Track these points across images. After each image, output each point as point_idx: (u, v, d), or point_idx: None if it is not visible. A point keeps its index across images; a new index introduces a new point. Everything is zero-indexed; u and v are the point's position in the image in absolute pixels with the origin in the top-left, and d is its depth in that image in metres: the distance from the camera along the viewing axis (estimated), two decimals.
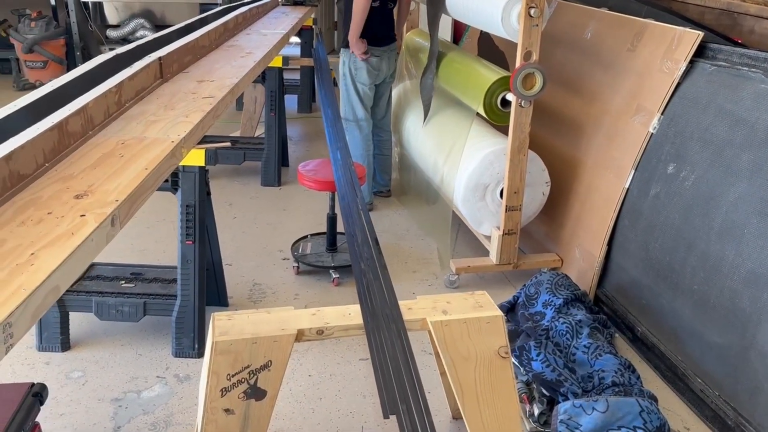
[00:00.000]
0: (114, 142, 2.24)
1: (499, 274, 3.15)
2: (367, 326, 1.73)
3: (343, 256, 3.20)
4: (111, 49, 6.78)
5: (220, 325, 1.73)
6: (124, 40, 6.64)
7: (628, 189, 2.71)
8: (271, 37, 4.16)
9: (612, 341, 2.50)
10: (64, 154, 2.07)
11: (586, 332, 2.34)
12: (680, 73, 2.57)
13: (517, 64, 2.71)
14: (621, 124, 2.82)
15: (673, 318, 2.42)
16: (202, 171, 2.57)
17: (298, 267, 3.14)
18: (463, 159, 3.00)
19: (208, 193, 2.67)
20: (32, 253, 1.53)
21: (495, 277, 3.15)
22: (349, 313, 1.81)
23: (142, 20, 6.56)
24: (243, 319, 1.77)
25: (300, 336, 1.73)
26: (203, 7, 6.64)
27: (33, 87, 6.16)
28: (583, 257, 2.93)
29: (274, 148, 4.16)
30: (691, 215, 2.37)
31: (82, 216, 1.76)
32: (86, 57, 6.52)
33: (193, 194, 2.55)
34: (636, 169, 2.69)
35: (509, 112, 2.93)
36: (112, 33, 6.56)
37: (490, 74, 2.98)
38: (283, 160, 4.46)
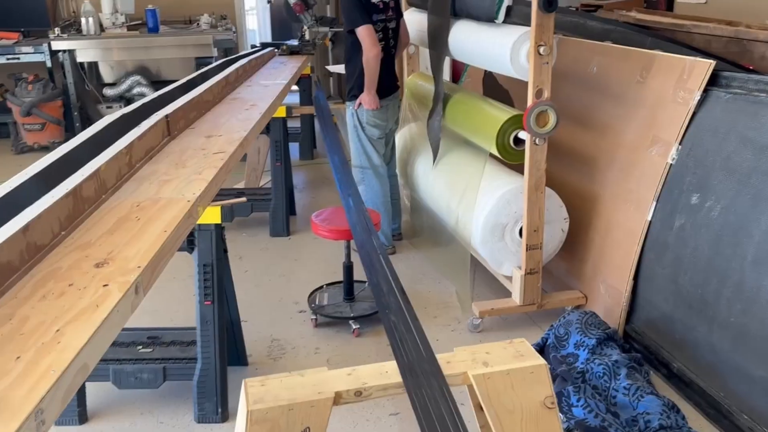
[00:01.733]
0: (129, 205, 2.19)
1: (523, 315, 3.08)
2: (407, 384, 1.65)
3: (362, 305, 3.13)
4: (108, 108, 6.78)
5: (254, 392, 1.65)
6: (121, 98, 6.66)
7: (650, 222, 2.67)
8: (273, 87, 4.15)
9: (650, 380, 2.42)
10: (80, 221, 2.01)
11: (624, 373, 2.26)
12: (695, 102, 2.55)
13: (529, 102, 2.68)
14: (637, 156, 2.79)
15: (711, 352, 2.35)
16: (219, 228, 2.51)
17: (316, 319, 3.06)
18: (479, 199, 2.95)
19: (225, 251, 2.61)
20: (57, 330, 1.46)
21: (519, 319, 3.07)
22: (385, 371, 1.73)
23: (138, 77, 6.58)
24: (276, 384, 1.69)
25: (338, 399, 1.65)
26: (199, 61, 6.68)
27: (31, 149, 6.14)
28: (608, 293, 2.87)
29: (282, 197, 4.12)
30: (721, 246, 2.32)
31: (105, 286, 1.70)
32: (84, 117, 6.53)
33: (211, 253, 2.49)
34: (657, 201, 2.64)
35: (522, 151, 2.90)
36: (108, 91, 6.57)
37: (501, 113, 2.96)
38: (291, 209, 4.42)
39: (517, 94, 3.63)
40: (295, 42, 5.83)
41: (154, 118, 2.84)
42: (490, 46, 2.85)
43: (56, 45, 6.15)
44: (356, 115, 3.59)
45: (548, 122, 2.70)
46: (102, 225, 1.94)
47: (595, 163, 3.04)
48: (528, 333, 2.97)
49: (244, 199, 2.74)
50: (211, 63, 6.65)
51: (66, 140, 6.78)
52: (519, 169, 3.10)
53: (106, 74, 6.81)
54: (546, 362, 1.77)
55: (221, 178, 2.54)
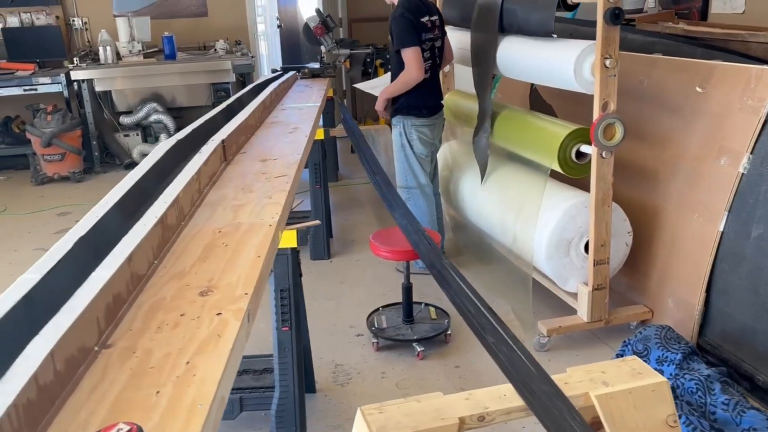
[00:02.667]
0: (210, 231, 2.15)
1: (587, 333, 3.03)
2: (534, 408, 1.59)
3: (423, 326, 3.07)
4: (126, 136, 6.73)
5: (373, 419, 1.59)
6: (138, 126, 6.61)
7: (723, 232, 2.63)
8: (308, 110, 4.13)
9: (743, 394, 2.36)
10: (167, 249, 1.97)
11: (719, 388, 2.20)
12: (766, 110, 2.53)
13: (595, 115, 2.66)
14: (703, 167, 2.76)
15: None
16: (295, 252, 2.46)
17: (377, 343, 2.99)
18: (541, 215, 2.91)
19: (300, 275, 2.56)
20: (188, 362, 1.40)
21: (583, 336, 3.02)
22: (503, 394, 1.67)
23: (154, 104, 6.53)
24: (394, 410, 1.63)
25: (462, 425, 1.59)
26: (215, 87, 6.66)
27: (51, 180, 6.07)
28: (678, 307, 2.82)
29: (322, 220, 4.07)
30: None
31: (218, 315, 1.65)
32: (102, 146, 6.47)
33: (287, 278, 2.43)
34: (729, 212, 2.61)
35: (584, 165, 2.87)
36: (125, 119, 6.52)
37: (560, 128, 2.93)
38: (329, 231, 4.37)
39: (562, 109, 3.61)
40: (316, 65, 5.82)
41: (211, 143, 2.81)
42: (549, 60, 2.83)
43: (75, 75, 6.11)
44: (404, 134, 3.56)
45: (615, 135, 2.68)
46: (190, 252, 1.89)
47: (654, 175, 3.01)
48: (596, 350, 2.92)
49: (317, 221, 2.69)
50: (228, 88, 6.65)
51: (85, 170, 6.76)
52: (577, 183, 3.07)
53: (120, 102, 6.77)
54: (667, 380, 1.72)
55: (290, 201, 2.50)
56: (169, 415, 1.21)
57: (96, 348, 1.44)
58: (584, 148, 2.81)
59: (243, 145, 3.19)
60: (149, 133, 6.64)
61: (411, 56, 3.40)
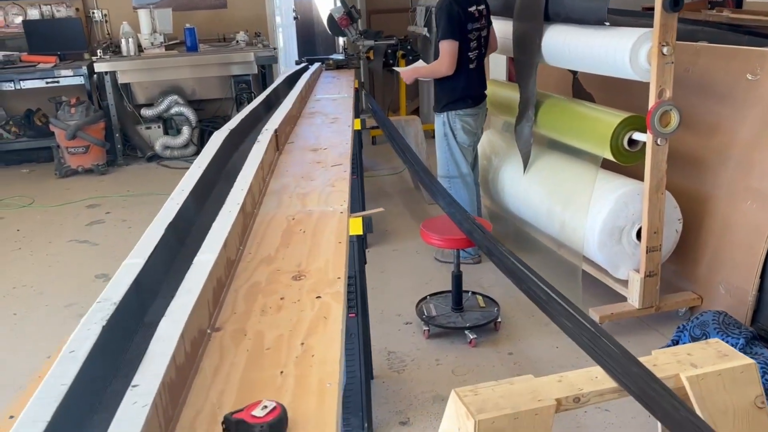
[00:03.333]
0: (284, 218, 2.17)
1: (637, 320, 3.04)
2: (629, 389, 1.61)
3: (473, 314, 3.09)
4: (147, 128, 6.73)
5: (470, 401, 1.61)
6: (159, 118, 6.61)
7: None
8: (342, 101, 4.15)
9: None
10: (247, 236, 2.00)
11: None
12: None
13: (651, 102, 2.67)
14: (756, 154, 2.78)
15: None
16: (360, 240, 2.48)
17: (428, 330, 3.01)
18: (593, 203, 2.93)
19: (365, 262, 2.57)
20: (302, 343, 1.43)
21: (633, 323, 3.03)
22: (595, 376, 1.69)
23: (175, 97, 6.53)
24: (489, 392, 1.64)
25: (558, 406, 1.61)
26: (236, 80, 6.65)
27: (75, 173, 6.07)
28: (730, 293, 2.84)
29: (360, 210, 4.07)
30: None
31: (318, 298, 1.67)
32: (125, 138, 6.47)
33: (354, 264, 2.44)
34: None
35: (635, 152, 2.88)
36: (146, 112, 6.52)
37: (611, 116, 2.94)
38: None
39: (602, 98, 3.62)
40: (339, 56, 5.82)
41: (266, 133, 2.83)
42: (602, 48, 2.83)
43: (99, 67, 6.11)
44: (448, 123, 3.57)
45: (671, 122, 2.69)
46: (271, 238, 1.91)
47: (703, 163, 3.02)
48: (647, 337, 2.93)
49: (381, 209, 2.70)
50: (249, 81, 6.64)
51: (108, 163, 6.76)
52: (622, 171, 3.08)
53: (140, 95, 6.76)
54: (755, 362, 1.74)
55: (350, 189, 2.52)
56: (301, 394, 1.24)
57: (208, 330, 1.46)
58: (637, 136, 2.82)
59: (290, 134, 3.21)
60: (170, 126, 6.63)
61: (447, 49, 3.41)
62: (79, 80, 6.18)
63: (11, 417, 1.21)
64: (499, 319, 3.05)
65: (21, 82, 6.09)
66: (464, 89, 3.49)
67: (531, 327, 3.07)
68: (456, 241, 2.88)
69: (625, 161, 2.92)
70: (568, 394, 1.63)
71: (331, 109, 3.90)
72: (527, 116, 3.43)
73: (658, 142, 2.71)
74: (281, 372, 1.37)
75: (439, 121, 3.63)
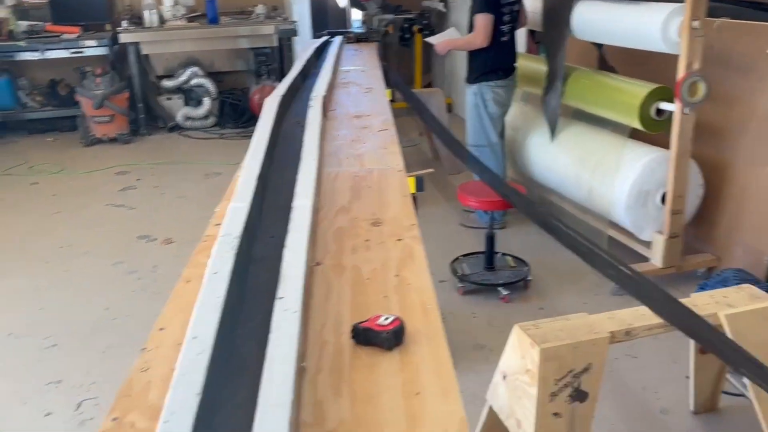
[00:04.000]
0: (348, 176, 2.35)
1: (658, 279, 3.24)
2: (676, 324, 1.81)
3: (504, 273, 3.29)
4: (168, 99, 6.84)
5: (533, 333, 1.80)
6: (179, 90, 6.73)
7: None
8: (371, 72, 4.30)
9: None
10: (317, 189, 2.17)
11: None
12: None
13: (680, 74, 2.85)
14: None
15: None
16: (413, 198, 2.66)
17: (463, 287, 3.21)
18: (621, 169, 3.12)
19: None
20: (396, 275, 1.62)
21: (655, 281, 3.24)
22: (642, 314, 1.89)
23: (196, 68, 6.65)
24: (548, 326, 1.84)
25: (612, 338, 1.81)
26: (255, 52, 6.77)
27: (100, 141, 6.21)
28: (747, 254, 3.05)
29: None
30: None
31: (399, 240, 1.86)
32: (148, 108, 6.60)
33: None
34: None
35: (662, 121, 3.07)
36: (167, 83, 6.64)
37: (639, 87, 3.12)
38: None
39: (624, 71, 3.79)
40: (359, 29, 5.96)
41: (317, 100, 3.00)
42: (634, 22, 3.00)
43: (124, 38, 6.22)
44: (480, 94, 3.74)
45: (698, 92, 2.87)
46: (341, 192, 2.10)
47: (723, 133, 3.21)
48: None
49: (432, 169, 2.88)
50: (268, 53, 6.77)
51: (131, 132, 6.90)
52: (647, 141, 3.26)
53: (159, 66, 6.87)
54: None
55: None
56: (407, 312, 1.44)
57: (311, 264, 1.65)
58: (664, 106, 3.00)
59: (330, 102, 3.37)
60: (191, 97, 6.76)
61: (482, 22, 3.57)
62: (103, 51, 6.30)
63: (161, 329, 1.41)
64: (529, 278, 3.26)
65: (46, 52, 6.21)
66: (496, 62, 3.66)
67: (559, 286, 3.28)
68: (493, 203, 3.07)
69: (652, 130, 3.10)
70: (620, 327, 1.83)
71: (363, 80, 4.05)
72: (555, 87, 3.61)
73: (686, 111, 2.89)
74: (384, 296, 1.57)
75: (471, 92, 3.80)
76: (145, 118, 6.56)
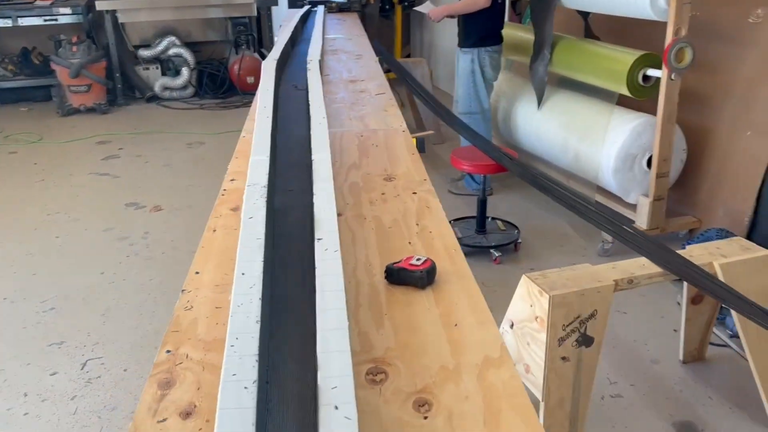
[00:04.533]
0: (353, 135, 2.40)
1: None
2: (675, 272, 1.91)
3: (495, 236, 3.37)
4: (146, 69, 6.73)
5: (541, 282, 1.88)
6: (157, 59, 6.64)
7: None
8: (358, 40, 4.32)
9: None
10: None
11: None
12: None
13: (668, 40, 2.93)
14: (757, 89, 3.08)
15: None
16: None
17: None
18: (609, 134, 3.21)
19: None
20: (417, 224, 1.68)
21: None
22: (642, 264, 1.98)
23: (173, 38, 6.56)
24: (555, 276, 1.92)
25: (616, 286, 1.90)
26: (234, 22, 6.71)
27: (77, 111, 6.11)
28: (727, 215, 3.18)
29: None
30: None
31: (414, 193, 1.92)
32: (125, 77, 6.50)
33: None
34: None
35: (648, 88, 3.16)
36: (143, 53, 6.54)
37: (625, 55, 3.20)
38: None
39: (608, 40, 3.87)
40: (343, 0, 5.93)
41: (313, 63, 3.02)
42: None
43: (99, 5, 6.10)
44: (477, 60, 3.77)
45: (685, 58, 2.96)
46: (349, 151, 2.14)
47: (706, 99, 3.32)
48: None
49: (432, 131, 2.93)
50: (247, 23, 6.71)
51: (109, 102, 6.80)
52: (632, 107, 3.36)
53: (133, 36, 6.76)
54: None
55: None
56: (433, 256, 1.50)
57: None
58: (651, 72, 3.09)
59: (323, 68, 3.39)
60: (168, 67, 6.68)
61: None
62: (78, 18, 6.17)
63: (197, 273, 1.45)
64: (519, 240, 3.35)
65: (18, 19, 6.06)
66: (494, 26, 3.71)
67: (548, 249, 3.38)
68: (487, 166, 3.14)
69: (638, 96, 3.19)
70: (623, 276, 1.92)
71: (351, 48, 4.07)
72: (542, 56, 3.67)
73: (673, 77, 2.98)
74: (409, 242, 1.63)
75: (467, 57, 3.83)
76: (123, 88, 6.46)
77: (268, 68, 3.02)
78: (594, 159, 3.30)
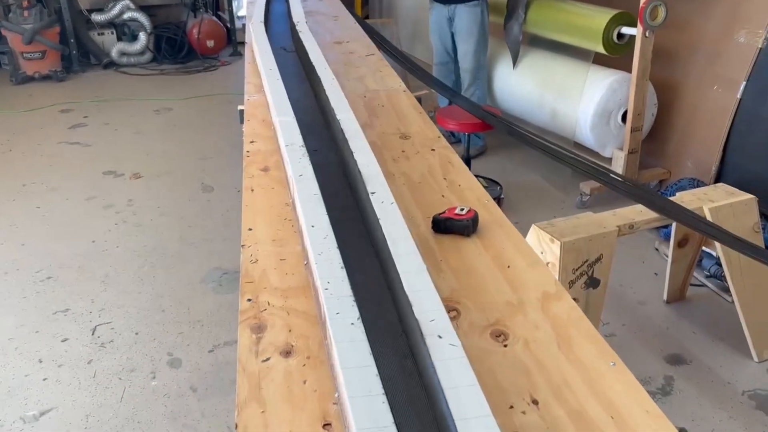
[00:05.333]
0: (358, 97, 2.47)
1: (615, 194, 3.54)
2: (671, 216, 2.06)
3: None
4: (101, 34, 6.55)
5: (550, 230, 2.00)
6: (111, 24, 6.45)
7: (740, 99, 3.16)
8: (328, 1, 4.32)
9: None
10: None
11: None
12: None
13: None
14: (722, 45, 3.25)
15: None
16: None
17: None
18: (586, 90, 3.34)
19: None
20: (444, 178, 1.78)
21: (613, 196, 3.50)
22: (640, 210, 2.13)
23: (127, 2, 6.36)
24: (562, 224, 2.05)
25: (619, 231, 2.04)
26: None
27: (32, 80, 5.91)
28: (696, 166, 3.38)
29: None
30: None
31: (432, 150, 2.01)
32: (80, 43, 6.30)
33: None
34: (748, 81, 3.13)
35: (623, 45, 3.30)
36: (97, 17, 6.33)
37: (600, 13, 3.32)
38: None
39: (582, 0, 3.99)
40: None
41: (301, 24, 3.05)
42: None
43: None
44: (486, 11, 3.79)
45: (659, 16, 3.10)
46: (358, 112, 2.20)
47: (674, 55, 3.48)
48: (628, 205, 3.44)
49: (427, 91, 2.99)
50: None
51: (64, 69, 6.65)
52: (606, 63, 3.50)
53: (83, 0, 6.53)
54: (755, 196, 2.23)
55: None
56: (466, 202, 1.59)
57: None
58: (626, 30, 3.23)
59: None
60: (124, 32, 6.50)
61: None
62: None
63: (250, 229, 1.51)
64: (502, 196, 3.48)
65: None
66: None
67: (530, 204, 3.52)
68: (472, 125, 3.24)
69: (613, 53, 3.33)
70: (625, 222, 2.06)
71: (325, 9, 4.07)
72: (517, 15, 3.77)
73: (647, 34, 3.12)
74: (442, 196, 1.72)
75: (476, 9, 3.78)
76: (78, 54, 6.26)
77: (258, 30, 3.03)
78: (571, 115, 3.44)
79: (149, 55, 6.52)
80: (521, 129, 3.02)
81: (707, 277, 2.75)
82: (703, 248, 2.64)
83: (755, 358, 2.32)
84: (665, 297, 2.64)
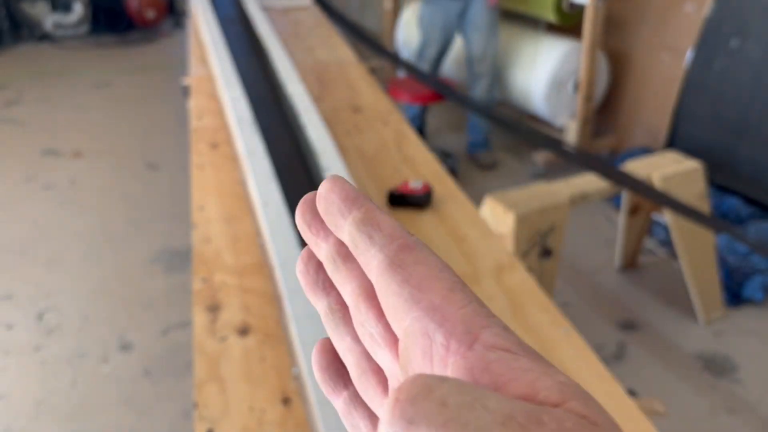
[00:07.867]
0: (308, 69, 2.42)
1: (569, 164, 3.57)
2: (620, 184, 2.08)
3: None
4: (32, 4, 6.17)
5: (504, 200, 2.00)
6: None
7: (688, 68, 3.21)
8: None
9: None
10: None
11: None
12: None
13: None
14: (669, 13, 3.29)
15: (751, 164, 2.98)
16: None
17: None
18: (538, 60, 3.34)
19: None
20: (398, 152, 1.75)
21: (567, 166, 3.57)
22: (591, 180, 2.14)
23: None
24: (515, 195, 2.04)
25: (572, 202, 2.04)
26: None
27: None
28: (647, 134, 3.43)
29: None
30: (763, 77, 2.91)
31: (386, 124, 1.99)
32: (10, 14, 5.98)
33: None
34: (695, 50, 3.18)
35: (574, 14, 3.30)
36: None
37: None
38: None
39: None
40: None
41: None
42: None
43: None
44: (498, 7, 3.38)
45: None
46: (309, 83, 2.15)
47: (623, 25, 3.51)
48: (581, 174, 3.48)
49: (384, 65, 2.93)
50: None
51: None
52: (559, 33, 3.50)
53: None
54: (701, 165, 2.27)
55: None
56: (420, 176, 1.58)
57: None
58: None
59: None
60: (58, 2, 6.20)
61: None
62: None
63: (200, 208, 1.45)
64: (457, 168, 3.47)
65: None
66: None
67: (479, 175, 3.52)
68: (426, 97, 3.21)
69: (564, 22, 3.33)
70: (577, 192, 2.07)
71: None
72: None
73: (599, 3, 3.13)
74: (396, 170, 1.70)
75: (491, 4, 3.31)
76: (9, 26, 5.95)
77: (202, 1, 2.92)
78: (524, 86, 3.44)
79: (86, 27, 6.25)
80: (475, 100, 3.00)
81: (659, 244, 2.81)
82: (654, 216, 2.69)
83: (702, 322, 2.38)
84: (618, 265, 2.69)
